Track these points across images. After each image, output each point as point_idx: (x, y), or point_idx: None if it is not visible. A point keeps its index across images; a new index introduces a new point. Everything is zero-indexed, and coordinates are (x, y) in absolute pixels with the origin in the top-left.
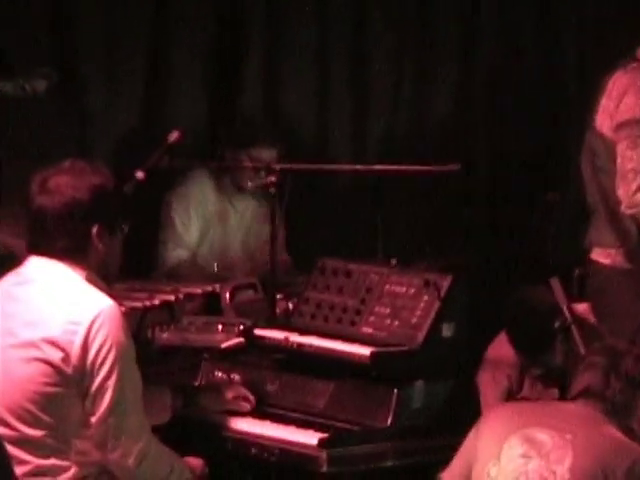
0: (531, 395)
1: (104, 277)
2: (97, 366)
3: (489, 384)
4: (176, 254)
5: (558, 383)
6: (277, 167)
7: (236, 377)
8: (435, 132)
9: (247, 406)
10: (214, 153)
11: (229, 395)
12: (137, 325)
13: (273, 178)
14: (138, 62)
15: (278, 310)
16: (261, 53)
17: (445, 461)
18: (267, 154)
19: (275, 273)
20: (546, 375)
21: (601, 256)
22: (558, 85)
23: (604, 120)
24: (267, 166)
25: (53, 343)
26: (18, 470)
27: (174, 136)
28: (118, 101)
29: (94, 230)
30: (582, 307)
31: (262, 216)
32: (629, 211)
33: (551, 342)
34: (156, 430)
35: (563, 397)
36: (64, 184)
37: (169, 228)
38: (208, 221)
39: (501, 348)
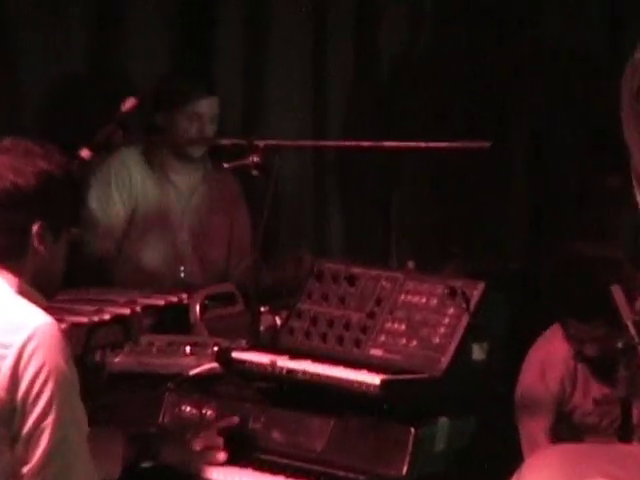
0: (584, 407)
1: (42, 289)
2: (30, 401)
3: (531, 421)
4: (99, 246)
5: (621, 408)
6: (261, 144)
7: (209, 412)
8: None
9: (221, 458)
10: (147, 122)
11: (197, 446)
12: (82, 346)
13: (256, 158)
14: (85, 15)
15: (263, 327)
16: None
17: None
18: (207, 105)
19: (258, 279)
20: (603, 368)
21: None
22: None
23: None
24: (249, 143)
25: None
26: None
27: (129, 104)
28: (58, 65)
29: (35, 228)
30: None
31: (214, 202)
32: None
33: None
34: None
35: (626, 436)
36: (3, 166)
37: (87, 218)
38: (137, 204)
39: (549, 347)
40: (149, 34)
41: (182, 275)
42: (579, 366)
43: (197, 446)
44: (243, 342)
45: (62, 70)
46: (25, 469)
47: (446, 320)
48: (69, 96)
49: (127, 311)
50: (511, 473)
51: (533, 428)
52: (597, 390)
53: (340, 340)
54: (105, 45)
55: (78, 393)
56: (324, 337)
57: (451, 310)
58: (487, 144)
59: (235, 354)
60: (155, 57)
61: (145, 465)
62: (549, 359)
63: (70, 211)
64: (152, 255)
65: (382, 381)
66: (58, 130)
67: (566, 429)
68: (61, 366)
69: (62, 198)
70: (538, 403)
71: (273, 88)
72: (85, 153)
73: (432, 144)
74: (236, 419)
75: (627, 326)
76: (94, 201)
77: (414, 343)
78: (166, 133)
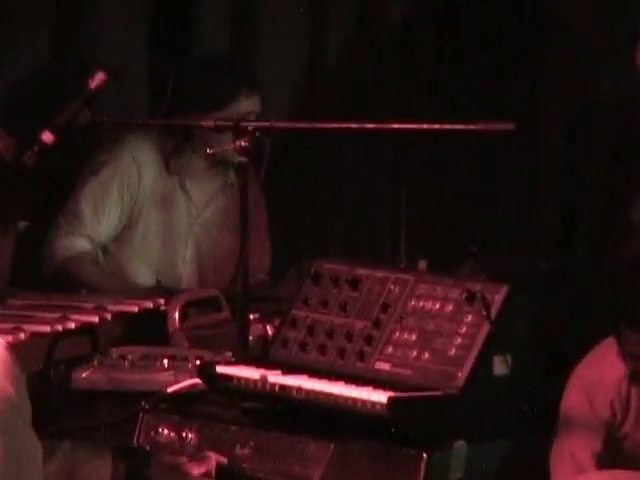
0: (636, 437)
1: None
2: None
3: (577, 445)
4: (71, 242)
5: None
6: (249, 126)
7: (190, 436)
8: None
9: None
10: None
11: (195, 471)
12: (44, 360)
13: (244, 142)
14: None
15: (252, 337)
16: None
17: None
18: (250, 104)
19: (247, 283)
20: None
21: None
22: None
23: None
24: (236, 124)
25: None
26: None
27: (98, 79)
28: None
29: None
30: None
31: (228, 218)
32: None
33: None
34: None
35: None
36: None
37: (71, 211)
38: (139, 210)
39: (600, 366)
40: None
41: (158, 277)
42: (633, 389)
43: (194, 471)
44: (229, 355)
45: (30, 59)
46: None
47: (463, 329)
48: (37, 87)
49: (95, 319)
50: None
51: (578, 452)
52: None
53: (341, 352)
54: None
55: (29, 423)
56: (323, 349)
57: (469, 317)
58: (512, 125)
59: (220, 369)
60: (130, 32)
61: None
62: (599, 379)
63: (20, 200)
64: (145, 272)
65: (390, 399)
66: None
67: (618, 458)
68: (8, 392)
69: (11, 184)
70: (584, 426)
71: (264, 63)
72: (47, 137)
73: (447, 126)
74: (224, 460)
75: None
76: (87, 199)
77: (426, 356)
78: (199, 141)
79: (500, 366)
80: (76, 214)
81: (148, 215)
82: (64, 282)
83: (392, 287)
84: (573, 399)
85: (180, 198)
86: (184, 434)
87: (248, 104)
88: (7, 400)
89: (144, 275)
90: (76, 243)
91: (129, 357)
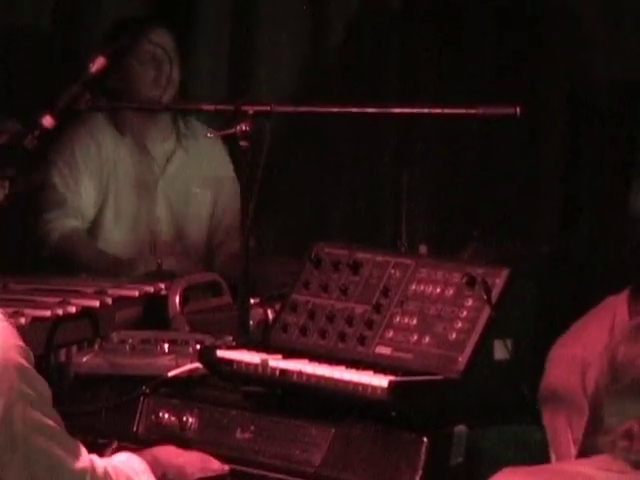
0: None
1: None
2: None
3: (558, 425)
4: (62, 223)
5: None
6: (250, 110)
7: (191, 420)
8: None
9: None
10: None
11: (193, 473)
12: (45, 344)
13: (245, 126)
14: None
15: (252, 322)
16: None
17: None
18: (163, 36)
19: (247, 266)
20: None
21: None
22: None
23: None
24: (236, 108)
25: None
26: None
27: (98, 64)
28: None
29: None
30: None
31: (193, 171)
32: None
33: None
34: None
35: None
36: None
37: (50, 194)
38: (108, 177)
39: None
40: None
41: (159, 261)
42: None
43: (192, 473)
44: (230, 339)
45: (18, 27)
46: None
47: (464, 313)
48: (27, 56)
49: (96, 303)
50: None
51: (560, 434)
52: None
53: (342, 337)
54: None
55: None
56: (323, 333)
57: (470, 302)
58: (514, 110)
59: (220, 353)
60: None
61: None
62: (585, 355)
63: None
64: (124, 236)
65: (390, 383)
66: (17, 95)
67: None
68: (17, 360)
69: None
70: (568, 403)
71: (265, 41)
72: (47, 121)
73: (449, 110)
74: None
75: None
76: (60, 180)
77: (427, 340)
78: (126, 94)
79: (501, 350)
80: (55, 196)
81: (118, 181)
82: (60, 261)
83: (393, 271)
84: (557, 378)
85: (141, 159)
86: (185, 418)
87: (162, 35)
88: (18, 369)
89: (120, 236)
90: (66, 222)
91: (130, 341)
